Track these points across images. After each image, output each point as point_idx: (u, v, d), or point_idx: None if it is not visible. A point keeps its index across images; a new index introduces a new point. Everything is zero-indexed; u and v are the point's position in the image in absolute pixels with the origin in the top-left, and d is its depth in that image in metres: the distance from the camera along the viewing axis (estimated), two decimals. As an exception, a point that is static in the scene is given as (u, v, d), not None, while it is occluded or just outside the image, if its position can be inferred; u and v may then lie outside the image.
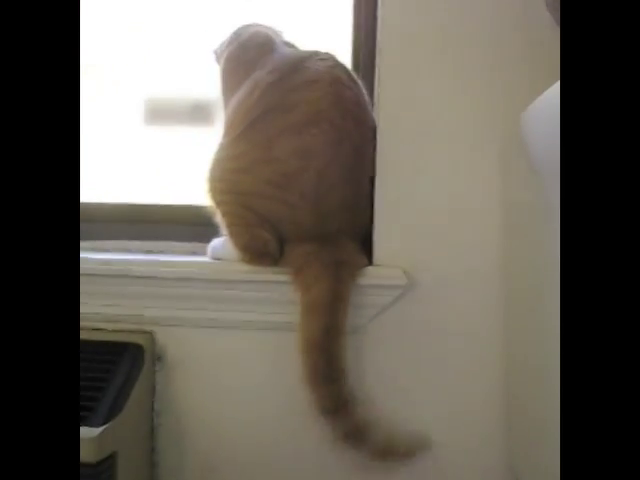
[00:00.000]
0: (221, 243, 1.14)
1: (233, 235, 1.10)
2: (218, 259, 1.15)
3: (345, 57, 1.27)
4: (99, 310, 1.16)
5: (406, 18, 1.10)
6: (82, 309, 1.13)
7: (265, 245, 1.07)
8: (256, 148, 1.08)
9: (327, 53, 1.14)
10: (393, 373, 1.13)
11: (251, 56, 1.18)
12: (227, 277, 1.11)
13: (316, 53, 1.13)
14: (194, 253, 1.31)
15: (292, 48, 1.22)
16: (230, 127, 1.12)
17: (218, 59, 1.24)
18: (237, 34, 1.23)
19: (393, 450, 1.06)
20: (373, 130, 1.11)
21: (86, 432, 0.97)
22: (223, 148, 1.12)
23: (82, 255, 1.16)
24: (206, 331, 1.16)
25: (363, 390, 1.12)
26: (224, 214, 1.10)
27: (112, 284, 1.14)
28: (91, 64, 1.45)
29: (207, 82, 1.34)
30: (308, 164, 1.04)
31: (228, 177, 1.10)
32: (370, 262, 1.10)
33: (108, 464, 0.99)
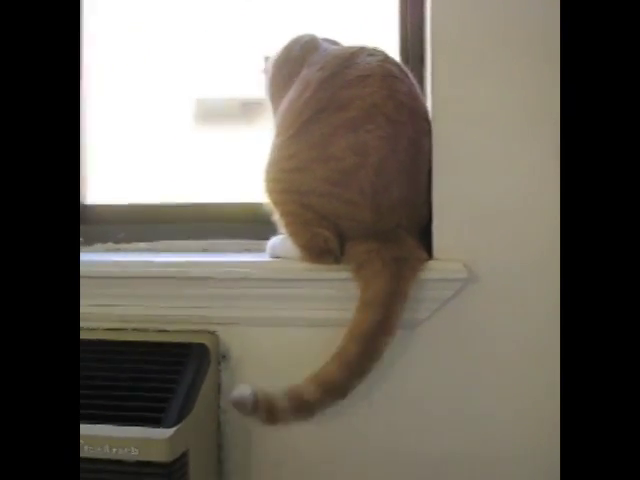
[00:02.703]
0: (280, 241, 1.15)
1: (293, 234, 1.11)
2: (277, 257, 1.16)
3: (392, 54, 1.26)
4: (162, 312, 1.18)
5: (458, 9, 1.09)
6: (146, 311, 1.18)
7: (325, 243, 1.07)
8: (312, 147, 1.08)
9: (376, 48, 1.14)
10: (452, 367, 1.13)
11: (296, 54, 1.19)
12: (287, 276, 1.12)
13: (364, 48, 1.13)
14: (248, 250, 1.32)
15: (337, 45, 1.22)
16: (283, 127, 1.13)
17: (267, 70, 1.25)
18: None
19: None
20: (428, 121, 1.11)
21: (159, 433, 1.00)
22: (277, 148, 1.13)
23: (145, 258, 1.20)
24: (268, 329, 1.17)
25: (420, 383, 1.13)
26: (283, 213, 1.11)
27: (174, 285, 1.16)
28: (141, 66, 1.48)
29: (255, 81, 1.36)
30: (365, 160, 1.04)
31: (285, 177, 1.11)
32: (430, 256, 1.10)
33: (181, 463, 1.02)
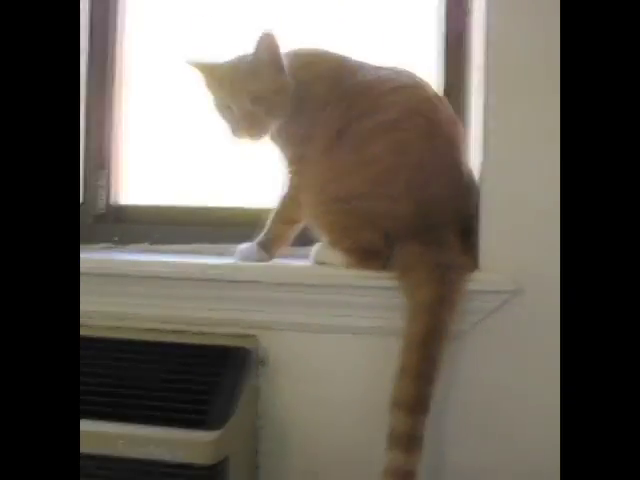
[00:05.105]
0: (324, 248, 1.15)
1: (338, 241, 1.11)
2: (321, 263, 1.15)
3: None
4: (202, 314, 1.18)
5: (516, 42, 1.09)
6: (186, 313, 1.17)
7: (372, 246, 1.08)
8: (350, 152, 1.10)
9: (401, 68, 1.18)
10: (496, 380, 1.12)
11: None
12: (333, 282, 1.12)
13: (393, 68, 1.17)
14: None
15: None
16: (315, 142, 1.13)
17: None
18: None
19: None
20: (459, 128, 1.15)
21: (203, 435, 0.99)
22: (313, 164, 1.13)
23: (187, 260, 1.20)
24: (309, 335, 1.16)
25: (464, 395, 1.12)
26: (327, 223, 1.12)
27: (216, 288, 1.16)
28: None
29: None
30: (405, 158, 1.07)
31: (326, 188, 1.11)
32: (475, 266, 1.10)
33: (222, 466, 1.01)
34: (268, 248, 1.19)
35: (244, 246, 1.20)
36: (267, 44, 1.12)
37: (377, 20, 1.43)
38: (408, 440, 0.98)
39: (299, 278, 1.13)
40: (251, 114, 1.13)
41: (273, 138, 1.19)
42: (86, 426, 1.01)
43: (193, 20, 1.50)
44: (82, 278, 1.20)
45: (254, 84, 1.12)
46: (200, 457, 0.98)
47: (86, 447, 1.00)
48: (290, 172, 1.19)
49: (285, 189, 1.20)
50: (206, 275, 1.15)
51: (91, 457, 1.01)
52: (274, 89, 1.13)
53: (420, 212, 1.06)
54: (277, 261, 1.20)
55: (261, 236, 1.20)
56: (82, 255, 1.32)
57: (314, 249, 1.18)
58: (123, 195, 1.50)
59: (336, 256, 1.12)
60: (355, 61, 1.19)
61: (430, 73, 1.32)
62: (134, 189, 1.51)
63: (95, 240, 1.45)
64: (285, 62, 1.14)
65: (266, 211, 1.38)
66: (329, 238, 1.13)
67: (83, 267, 1.21)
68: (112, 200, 1.49)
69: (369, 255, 1.08)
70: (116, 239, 1.45)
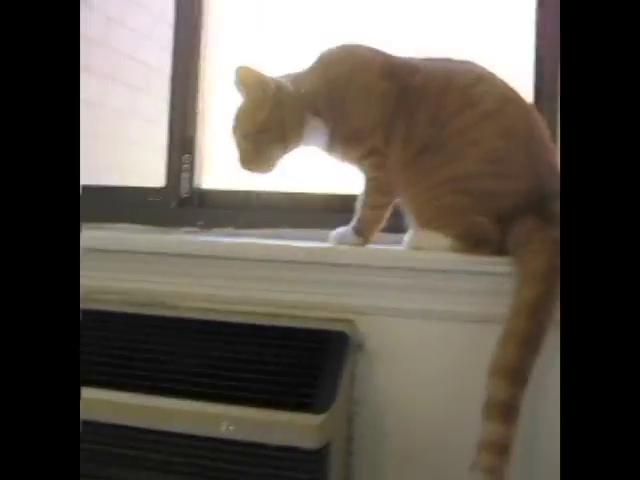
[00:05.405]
0: (422, 234, 1.12)
1: (446, 225, 1.09)
2: (418, 249, 1.13)
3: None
4: (299, 297, 1.17)
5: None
6: (283, 296, 1.16)
7: (484, 231, 1.06)
8: (455, 137, 1.09)
9: (452, 57, 1.17)
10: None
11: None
12: (433, 266, 1.10)
13: (444, 58, 1.17)
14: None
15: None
16: (406, 140, 1.12)
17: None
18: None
19: None
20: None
21: (311, 419, 0.98)
22: (402, 157, 1.12)
23: (284, 242, 1.19)
24: (404, 320, 1.14)
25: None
26: (437, 207, 1.09)
27: (313, 271, 1.15)
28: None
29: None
30: (516, 139, 1.08)
31: (431, 175, 1.10)
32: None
33: (326, 451, 0.99)
34: (363, 232, 1.17)
35: (339, 230, 1.18)
36: (242, 79, 1.13)
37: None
38: (506, 409, 0.94)
39: (399, 262, 1.12)
40: (243, 150, 1.15)
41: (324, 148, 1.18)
42: (189, 406, 1.02)
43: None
44: (172, 259, 1.22)
45: (241, 123, 1.15)
46: (306, 441, 0.97)
47: (189, 427, 1.01)
48: (366, 166, 1.17)
49: (366, 182, 1.18)
50: (302, 258, 1.14)
51: (194, 438, 1.00)
52: (258, 128, 1.13)
53: (536, 188, 1.06)
54: (378, 245, 1.18)
55: (354, 221, 1.18)
56: (174, 236, 1.34)
57: (407, 237, 1.15)
58: (207, 179, 1.50)
59: (441, 241, 1.09)
60: (388, 53, 1.18)
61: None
62: (218, 173, 1.51)
63: (178, 224, 1.45)
64: (310, 68, 1.18)
65: (346, 197, 1.38)
66: (437, 223, 1.10)
67: (175, 249, 1.23)
68: (196, 184, 1.49)
69: (480, 240, 1.07)
70: (200, 223, 1.45)
